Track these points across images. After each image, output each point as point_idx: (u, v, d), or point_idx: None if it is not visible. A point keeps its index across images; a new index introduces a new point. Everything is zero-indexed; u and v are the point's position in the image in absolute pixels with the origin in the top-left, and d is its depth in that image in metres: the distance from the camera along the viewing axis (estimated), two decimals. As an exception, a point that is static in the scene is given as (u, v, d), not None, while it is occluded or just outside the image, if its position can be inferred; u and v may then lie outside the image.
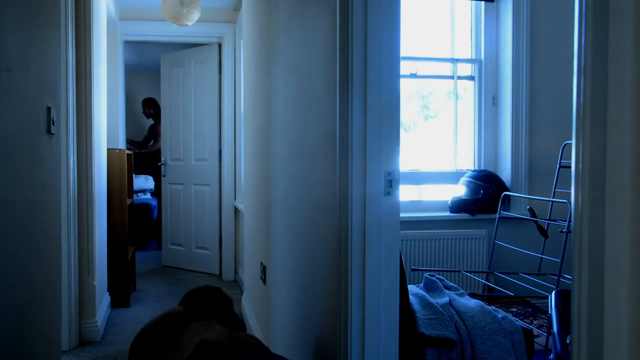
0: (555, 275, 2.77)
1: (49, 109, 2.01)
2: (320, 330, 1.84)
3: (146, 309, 4.04)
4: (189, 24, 4.01)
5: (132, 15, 4.87)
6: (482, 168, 3.79)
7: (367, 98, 1.50)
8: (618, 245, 0.76)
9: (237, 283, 4.92)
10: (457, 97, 3.83)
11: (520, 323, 2.36)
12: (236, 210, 4.94)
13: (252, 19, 3.37)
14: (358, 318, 1.53)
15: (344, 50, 1.53)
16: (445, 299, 2.21)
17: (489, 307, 2.18)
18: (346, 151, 1.53)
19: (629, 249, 0.75)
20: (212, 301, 1.85)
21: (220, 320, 1.78)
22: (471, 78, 3.84)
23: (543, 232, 3.09)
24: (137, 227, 5.72)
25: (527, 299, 3.35)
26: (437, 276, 2.48)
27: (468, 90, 3.86)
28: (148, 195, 7.37)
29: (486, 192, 3.53)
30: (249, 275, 3.57)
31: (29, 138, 1.79)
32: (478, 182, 3.56)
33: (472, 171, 3.66)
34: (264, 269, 2.88)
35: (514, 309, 3.24)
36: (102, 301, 3.66)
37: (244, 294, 3.95)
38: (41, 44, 1.93)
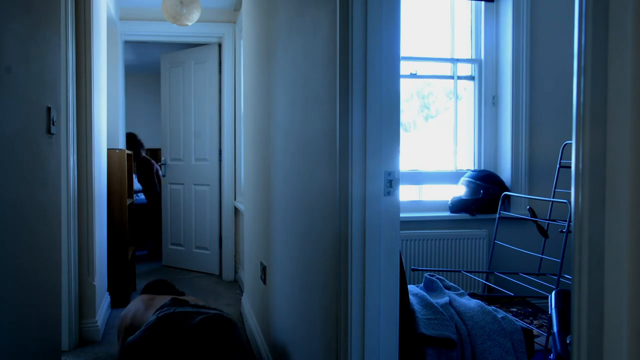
0: (555, 275, 2.77)
1: (49, 109, 2.01)
2: (320, 330, 1.84)
3: (146, 309, 4.04)
4: (189, 24, 4.01)
5: (132, 15, 4.87)
6: (482, 168, 3.79)
7: (367, 98, 1.50)
8: (618, 245, 0.76)
9: (237, 283, 4.92)
10: (457, 97, 3.83)
11: (520, 323, 2.36)
12: (236, 210, 4.94)
13: (252, 19, 3.37)
14: (358, 318, 1.53)
15: (344, 50, 1.53)
16: (445, 299, 2.21)
17: (489, 307, 2.18)
18: (346, 151, 1.53)
19: (629, 249, 0.75)
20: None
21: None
22: (471, 78, 3.84)
23: (543, 232, 3.09)
24: (136, 227, 5.71)
25: (527, 299, 3.35)
26: (437, 276, 2.48)
27: (468, 90, 3.86)
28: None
29: (486, 192, 3.53)
30: (249, 275, 3.57)
31: (29, 138, 1.79)
32: (478, 182, 3.56)
33: (472, 171, 3.66)
34: (264, 269, 2.88)
35: (514, 309, 3.24)
36: (102, 301, 3.66)
37: (244, 294, 3.95)
38: (41, 44, 1.93)
